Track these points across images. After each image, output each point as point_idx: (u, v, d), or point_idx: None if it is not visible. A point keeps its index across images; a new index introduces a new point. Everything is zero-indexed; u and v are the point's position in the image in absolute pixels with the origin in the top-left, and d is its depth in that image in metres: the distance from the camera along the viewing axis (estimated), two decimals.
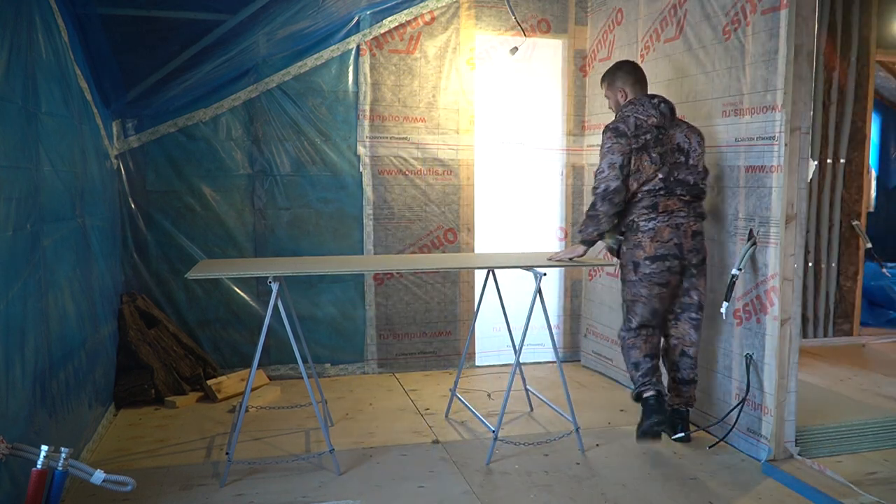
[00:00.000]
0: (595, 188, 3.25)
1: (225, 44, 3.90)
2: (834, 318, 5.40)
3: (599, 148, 3.30)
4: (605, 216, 3.25)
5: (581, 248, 3.39)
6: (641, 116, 3.25)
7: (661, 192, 3.23)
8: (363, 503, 2.79)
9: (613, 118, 3.38)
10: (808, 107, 3.08)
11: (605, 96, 3.55)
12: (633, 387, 3.33)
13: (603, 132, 3.29)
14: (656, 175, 3.22)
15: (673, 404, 3.41)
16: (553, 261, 3.45)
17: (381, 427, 3.65)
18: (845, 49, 5.13)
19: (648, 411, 3.19)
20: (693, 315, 3.35)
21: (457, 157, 4.64)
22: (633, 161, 3.21)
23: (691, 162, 3.29)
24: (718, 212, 3.46)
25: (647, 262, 3.24)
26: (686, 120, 3.48)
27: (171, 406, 3.91)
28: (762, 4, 3.14)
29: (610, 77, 3.47)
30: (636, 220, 3.26)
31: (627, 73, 3.43)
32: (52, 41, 2.94)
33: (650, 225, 3.23)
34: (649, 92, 3.45)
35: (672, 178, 3.24)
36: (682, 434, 3.41)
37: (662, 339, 3.41)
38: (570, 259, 3.44)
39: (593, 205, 3.25)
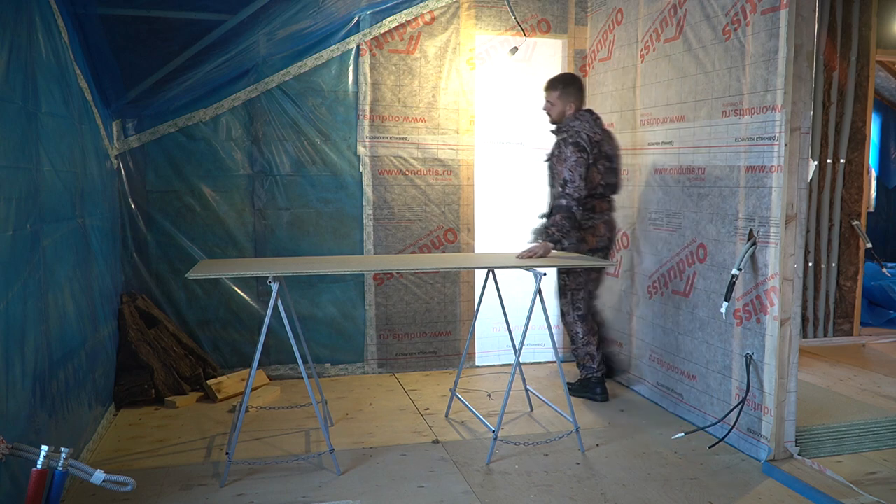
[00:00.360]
0: (570, 195, 3.72)
1: (225, 44, 3.90)
2: (834, 318, 5.40)
3: (559, 157, 3.81)
4: (575, 220, 3.77)
5: (550, 246, 3.63)
6: (590, 133, 3.81)
7: (598, 196, 3.92)
8: (363, 503, 2.79)
9: (557, 125, 3.94)
10: (808, 107, 3.08)
11: (549, 101, 3.94)
12: (588, 370, 4.03)
13: (562, 143, 3.81)
14: (599, 182, 3.89)
15: (594, 372, 4.06)
16: (523, 258, 3.50)
17: (382, 427, 3.65)
18: (845, 49, 5.13)
19: (600, 387, 4.04)
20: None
21: (457, 157, 4.64)
22: (588, 171, 3.81)
23: (614, 166, 3.98)
24: (718, 212, 3.46)
25: (589, 254, 3.91)
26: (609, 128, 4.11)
27: (171, 406, 3.91)
28: (762, 4, 3.14)
29: (563, 88, 3.91)
30: (581, 219, 3.86)
31: (579, 89, 3.95)
32: (52, 41, 2.94)
33: (590, 223, 3.92)
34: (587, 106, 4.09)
35: (606, 183, 3.93)
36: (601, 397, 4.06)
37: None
38: (538, 256, 3.53)
39: (569, 209, 3.71)
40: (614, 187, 4.00)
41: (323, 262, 3.45)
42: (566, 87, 3.92)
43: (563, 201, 3.73)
